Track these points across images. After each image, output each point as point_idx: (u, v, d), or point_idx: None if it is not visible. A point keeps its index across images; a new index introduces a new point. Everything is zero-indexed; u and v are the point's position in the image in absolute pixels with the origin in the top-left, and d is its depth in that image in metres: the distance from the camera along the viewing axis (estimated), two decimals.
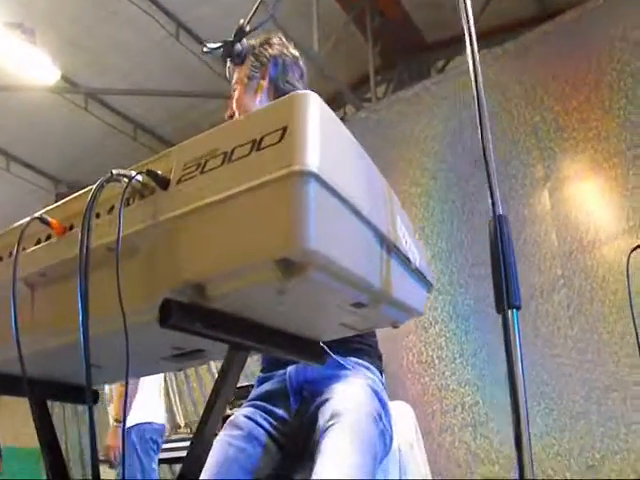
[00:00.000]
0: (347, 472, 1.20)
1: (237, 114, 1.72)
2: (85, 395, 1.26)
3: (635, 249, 2.20)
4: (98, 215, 0.90)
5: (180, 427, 4.65)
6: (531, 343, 3.95)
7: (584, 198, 4.26)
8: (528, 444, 0.83)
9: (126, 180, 0.83)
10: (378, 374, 1.58)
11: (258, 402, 1.54)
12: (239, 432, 1.46)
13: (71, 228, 0.96)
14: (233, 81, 1.77)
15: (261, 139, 0.75)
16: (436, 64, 6.61)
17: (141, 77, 5.71)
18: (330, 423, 1.33)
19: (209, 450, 0.89)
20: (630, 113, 4.04)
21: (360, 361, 1.54)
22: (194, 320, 0.79)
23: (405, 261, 0.93)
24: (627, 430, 3.58)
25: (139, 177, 0.84)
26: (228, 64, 1.75)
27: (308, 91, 0.78)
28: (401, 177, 4.86)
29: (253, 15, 1.51)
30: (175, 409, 4.94)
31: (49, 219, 0.95)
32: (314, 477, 1.18)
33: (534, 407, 3.85)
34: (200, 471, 0.88)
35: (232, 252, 0.75)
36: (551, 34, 4.45)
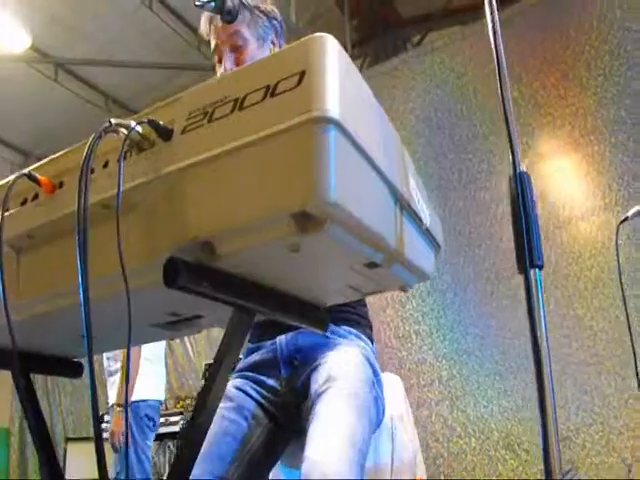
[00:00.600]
0: (346, 433, 1.18)
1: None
2: (70, 368, 1.23)
3: (623, 222, 2.20)
4: (92, 171, 0.84)
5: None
6: (508, 318, 3.98)
7: (561, 174, 4.27)
8: (553, 409, 0.79)
9: (125, 131, 0.77)
10: (370, 343, 1.56)
11: (248, 373, 1.51)
12: (230, 404, 1.44)
13: (61, 186, 0.89)
14: (229, 30, 1.60)
15: (276, 84, 0.70)
16: (412, 39, 6.56)
17: (114, 48, 5.55)
18: (324, 387, 1.31)
19: (212, 418, 0.84)
20: (607, 90, 4.04)
21: (352, 330, 1.52)
22: (201, 281, 0.74)
23: (417, 221, 0.89)
24: (602, 403, 3.63)
25: (139, 128, 0.78)
26: (209, 21, 1.64)
27: (325, 34, 0.72)
28: None
29: None
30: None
31: (38, 176, 0.88)
32: (310, 439, 1.15)
33: (510, 381, 3.89)
34: (204, 439, 0.83)
35: (245, 206, 0.69)
36: (530, 10, 4.42)
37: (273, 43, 1.66)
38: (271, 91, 0.70)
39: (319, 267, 0.82)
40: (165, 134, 0.77)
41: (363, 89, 0.77)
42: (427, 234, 0.95)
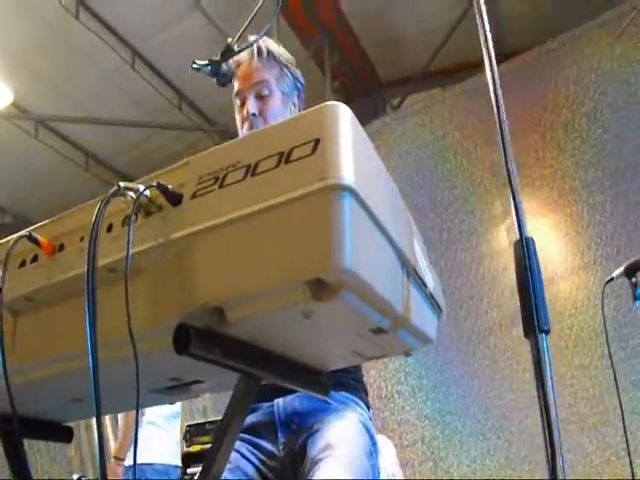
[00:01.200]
0: None
1: (270, 123, 1.59)
2: (61, 433, 1.19)
3: (609, 282, 2.23)
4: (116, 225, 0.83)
5: None
6: (490, 377, 3.97)
7: (540, 235, 4.34)
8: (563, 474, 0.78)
9: (133, 195, 0.77)
10: (366, 409, 1.54)
11: (244, 435, 1.47)
12: (227, 465, 1.39)
13: (61, 248, 0.88)
14: (257, 78, 1.63)
15: (290, 151, 0.70)
16: (392, 101, 6.71)
17: (95, 106, 5.59)
18: (323, 455, 1.29)
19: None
20: (584, 152, 4.16)
21: (349, 395, 1.50)
22: (213, 347, 0.73)
23: (422, 286, 0.89)
24: (584, 461, 3.62)
25: (147, 192, 0.77)
26: (236, 64, 1.59)
27: (338, 102, 0.74)
28: None
29: (241, 35, 1.46)
30: None
31: (39, 238, 0.87)
32: None
33: (493, 440, 3.85)
34: None
35: (259, 272, 0.69)
36: (507, 75, 4.56)
37: (294, 104, 1.68)
38: (285, 158, 0.70)
39: (327, 333, 0.81)
40: (174, 199, 0.77)
41: (374, 157, 0.78)
42: (431, 299, 0.95)
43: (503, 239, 4.33)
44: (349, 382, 1.51)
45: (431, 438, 4.09)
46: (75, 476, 3.59)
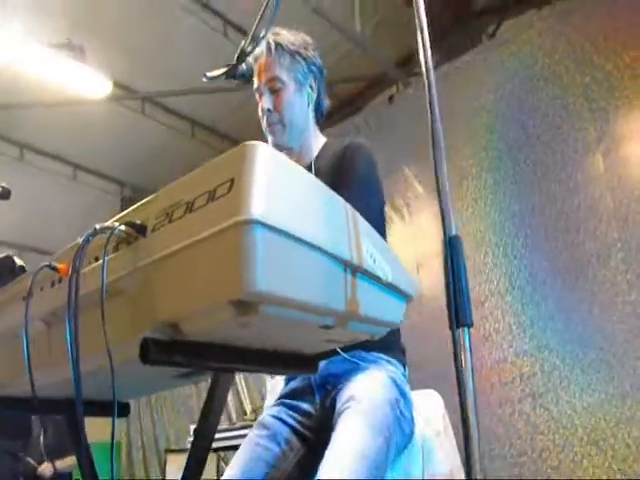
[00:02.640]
0: (358, 450, 1.27)
1: (286, 117, 1.73)
2: (119, 408, 1.41)
3: None
4: (97, 258, 1.00)
5: (246, 414, 4.83)
6: (588, 311, 3.90)
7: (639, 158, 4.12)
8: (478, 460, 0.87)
9: (108, 232, 0.93)
10: (401, 367, 1.65)
11: (285, 400, 1.64)
12: (265, 432, 1.56)
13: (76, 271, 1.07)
14: (270, 74, 1.73)
15: (214, 190, 0.83)
16: (487, 30, 6.45)
17: (194, 76, 5.84)
18: (345, 407, 1.42)
19: (202, 465, 0.99)
20: None
21: (382, 355, 1.61)
22: (173, 354, 0.89)
23: (375, 279, 1.00)
24: None
25: (120, 228, 0.93)
26: (254, 59, 1.71)
27: (257, 142, 0.85)
28: (452, 151, 4.83)
29: (252, 36, 1.55)
30: (242, 396, 5.15)
31: (56, 265, 1.06)
32: (325, 459, 1.26)
33: (593, 375, 3.81)
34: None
35: (195, 295, 0.83)
36: None
37: (311, 87, 1.78)
38: (211, 196, 0.83)
39: (280, 331, 0.94)
40: (141, 231, 0.92)
41: (297, 181, 0.89)
42: (391, 287, 1.04)
43: (599, 165, 4.15)
44: (383, 343, 1.62)
45: (530, 375, 4.11)
46: (192, 426, 3.99)
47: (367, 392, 1.45)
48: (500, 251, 4.43)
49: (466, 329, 0.91)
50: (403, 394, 1.56)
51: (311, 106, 1.79)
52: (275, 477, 1.49)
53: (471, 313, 0.92)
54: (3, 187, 2.52)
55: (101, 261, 0.98)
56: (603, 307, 3.86)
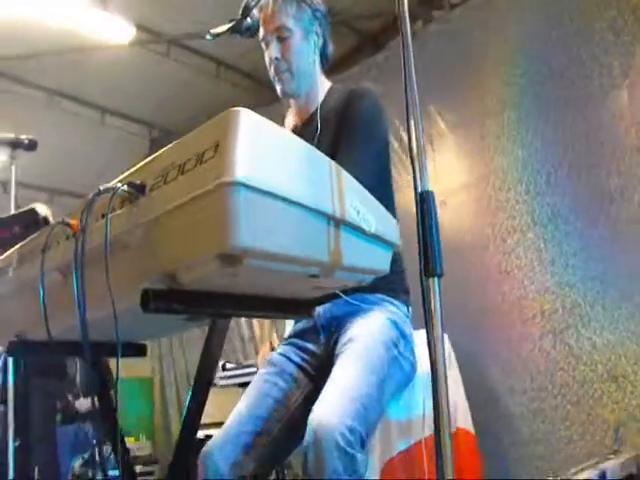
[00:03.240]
0: (347, 388, 1.36)
1: (294, 64, 1.76)
2: (137, 349, 1.53)
3: None
4: (104, 215, 1.09)
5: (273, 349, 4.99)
6: (610, 248, 3.91)
7: None
8: (446, 405, 0.94)
9: (110, 193, 1.02)
10: (403, 308, 1.70)
11: (292, 339, 1.73)
12: (273, 369, 1.66)
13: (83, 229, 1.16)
14: (277, 22, 1.75)
15: (202, 153, 0.91)
16: None
17: (218, 17, 5.80)
18: (343, 348, 1.51)
19: (202, 409, 1.10)
20: None
21: (384, 297, 1.67)
22: (171, 302, 0.99)
23: (359, 230, 1.07)
24: None
25: (122, 188, 1.02)
26: (259, 9, 1.71)
27: (240, 108, 0.91)
28: (474, 88, 4.78)
29: None
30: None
31: (69, 221, 1.15)
32: (320, 396, 1.34)
33: (614, 312, 3.85)
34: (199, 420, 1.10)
35: (188, 248, 0.93)
36: None
37: (317, 34, 1.80)
38: (199, 159, 0.91)
39: (270, 280, 1.03)
40: (141, 191, 1.01)
41: (279, 143, 0.96)
42: (375, 238, 1.12)
43: (623, 101, 4.08)
44: (385, 284, 1.61)
45: (551, 312, 4.15)
46: (220, 362, 4.17)
47: (364, 334, 1.52)
48: (523, 188, 4.42)
49: (436, 279, 0.97)
50: (403, 334, 1.62)
51: (317, 52, 1.81)
52: (282, 411, 1.58)
53: (441, 264, 0.98)
54: (30, 139, 2.65)
55: (117, 212, 1.08)
56: (626, 245, 3.86)
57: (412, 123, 1.02)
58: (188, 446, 1.16)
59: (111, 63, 5.58)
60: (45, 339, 1.17)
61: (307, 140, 1.69)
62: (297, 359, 1.68)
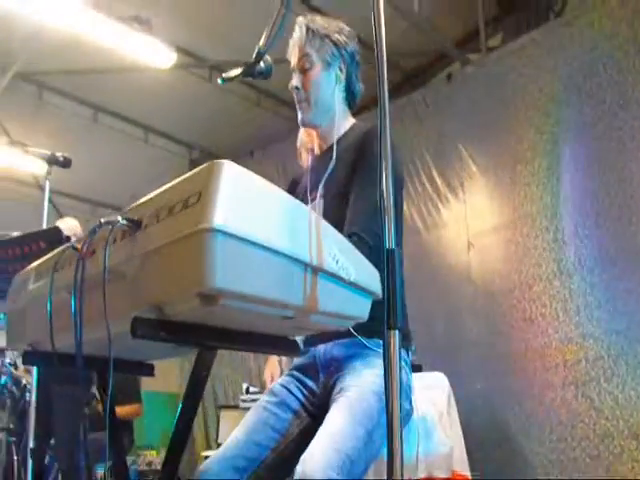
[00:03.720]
0: (334, 439, 1.39)
1: (312, 95, 1.84)
2: (145, 369, 1.61)
3: None
4: (115, 241, 1.18)
5: None
6: (635, 302, 3.88)
7: None
8: (400, 454, 0.98)
9: (110, 226, 1.11)
10: (402, 353, 1.72)
11: (294, 372, 1.77)
12: (274, 399, 1.71)
13: (93, 253, 1.26)
14: (300, 54, 1.84)
15: (187, 199, 1.00)
16: (554, 8, 6.28)
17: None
18: (336, 397, 1.55)
19: (189, 430, 1.17)
20: None
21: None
22: (158, 331, 1.07)
23: (337, 278, 1.14)
24: None
25: (122, 222, 1.11)
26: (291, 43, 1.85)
27: (224, 161, 1.00)
28: (507, 133, 4.82)
29: (269, 38, 1.67)
30: None
31: (77, 246, 1.25)
32: (308, 448, 1.38)
33: (637, 368, 3.80)
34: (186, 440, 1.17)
35: (172, 284, 1.01)
36: None
37: (340, 69, 1.87)
38: (185, 204, 1.00)
39: (250, 318, 1.10)
40: (137, 226, 1.10)
41: (260, 193, 1.04)
42: (354, 286, 1.18)
43: None
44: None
45: (574, 362, 4.12)
46: (244, 385, 4.25)
47: (356, 384, 1.55)
48: (550, 236, 4.42)
49: (397, 332, 1.03)
50: (399, 382, 1.65)
51: (339, 87, 1.87)
52: (278, 441, 1.62)
53: (402, 318, 1.04)
54: (64, 156, 2.80)
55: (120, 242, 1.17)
56: None
57: (384, 178, 1.08)
58: (174, 464, 1.23)
59: (155, 84, 5.81)
60: (58, 351, 1.25)
61: (322, 171, 1.80)
62: (298, 393, 1.72)
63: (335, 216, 1.70)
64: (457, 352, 4.59)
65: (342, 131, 1.89)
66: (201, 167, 1.02)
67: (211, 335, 1.14)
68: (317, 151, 1.94)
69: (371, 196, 1.63)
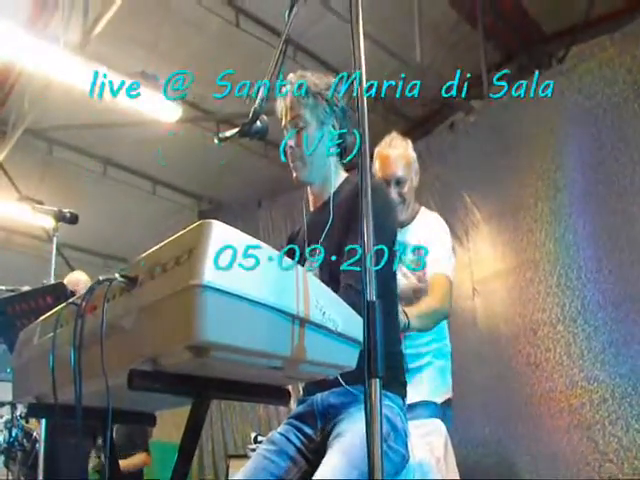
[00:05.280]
0: None
1: (307, 154, 1.87)
2: (146, 419, 1.66)
3: None
4: (114, 296, 1.24)
5: None
6: (638, 345, 3.88)
7: None
8: None
9: (108, 283, 1.17)
10: (398, 400, 1.75)
11: (292, 421, 1.81)
12: (273, 447, 1.74)
13: (94, 309, 1.32)
14: (293, 113, 1.88)
15: (179, 257, 1.06)
16: (556, 54, 6.43)
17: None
18: (332, 442, 1.59)
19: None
20: None
21: None
22: (154, 383, 1.12)
23: (324, 329, 1.19)
24: None
25: (119, 279, 1.17)
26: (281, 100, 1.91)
27: (213, 221, 1.07)
28: (510, 180, 4.90)
29: (263, 100, 1.75)
30: None
31: (77, 302, 1.31)
32: None
33: None
34: None
35: (164, 338, 1.07)
36: None
37: (334, 126, 1.92)
38: (177, 261, 1.06)
39: (241, 369, 1.15)
40: (133, 282, 1.16)
41: (247, 252, 1.10)
42: (341, 336, 1.23)
43: None
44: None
45: (578, 406, 4.11)
46: (253, 434, 4.24)
47: (351, 430, 1.57)
48: (554, 281, 4.46)
49: (378, 380, 1.07)
50: (395, 428, 1.67)
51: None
52: None
53: (382, 366, 1.08)
54: (71, 212, 2.89)
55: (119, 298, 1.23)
56: None
57: (365, 235, 1.14)
58: None
59: (161, 137, 5.96)
60: (61, 403, 1.30)
61: (319, 227, 1.85)
62: (296, 441, 1.75)
63: (334, 271, 1.76)
64: (463, 397, 4.56)
65: (335, 186, 1.91)
66: (192, 226, 1.09)
67: (204, 385, 1.19)
68: (313, 207, 1.99)
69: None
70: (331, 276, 1.75)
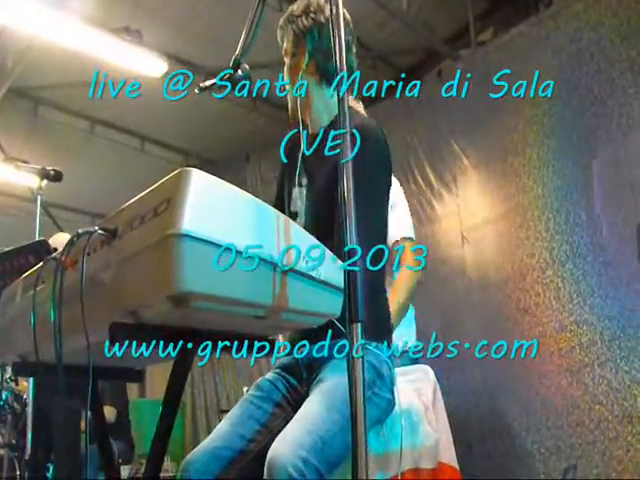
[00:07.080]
0: (306, 425, 1.44)
1: (288, 85, 1.92)
2: (133, 375, 1.67)
3: None
4: (89, 253, 1.24)
5: None
6: (626, 287, 3.92)
7: None
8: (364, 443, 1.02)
9: (87, 236, 1.16)
10: (383, 348, 1.74)
11: (279, 370, 1.82)
12: (260, 393, 1.76)
13: (75, 263, 1.31)
14: (284, 49, 1.92)
15: (157, 207, 1.05)
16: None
17: (254, 53, 6.03)
18: (314, 386, 1.61)
19: (169, 432, 1.22)
20: None
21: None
22: (135, 335, 1.12)
23: (307, 277, 1.19)
24: None
25: (99, 232, 1.16)
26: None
27: (191, 169, 1.05)
28: (498, 126, 4.85)
29: (245, 45, 1.70)
30: None
31: (62, 258, 1.30)
32: (281, 433, 1.43)
33: (630, 352, 3.85)
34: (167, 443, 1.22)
35: (144, 290, 1.06)
36: None
37: (309, 52, 1.87)
38: (155, 211, 1.05)
39: (223, 319, 1.15)
40: (113, 234, 1.15)
41: (228, 198, 1.09)
42: (324, 284, 1.23)
43: None
44: (367, 326, 1.76)
45: (568, 350, 4.17)
46: (245, 388, 4.26)
47: (335, 374, 1.59)
48: (542, 226, 4.47)
49: (359, 324, 1.07)
50: (380, 375, 1.68)
51: (301, 72, 1.87)
52: (263, 434, 1.66)
53: (363, 311, 1.08)
54: (55, 170, 2.85)
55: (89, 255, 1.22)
56: None
57: (345, 185, 1.12)
58: (155, 469, 1.28)
59: (149, 93, 5.84)
60: (46, 361, 1.30)
61: (312, 158, 1.83)
62: (283, 389, 1.77)
63: (319, 209, 1.75)
64: (453, 345, 4.63)
65: (327, 120, 1.88)
66: (170, 175, 1.07)
67: (186, 337, 1.18)
68: (310, 129, 1.94)
69: (363, 200, 1.66)
70: (315, 214, 1.77)
